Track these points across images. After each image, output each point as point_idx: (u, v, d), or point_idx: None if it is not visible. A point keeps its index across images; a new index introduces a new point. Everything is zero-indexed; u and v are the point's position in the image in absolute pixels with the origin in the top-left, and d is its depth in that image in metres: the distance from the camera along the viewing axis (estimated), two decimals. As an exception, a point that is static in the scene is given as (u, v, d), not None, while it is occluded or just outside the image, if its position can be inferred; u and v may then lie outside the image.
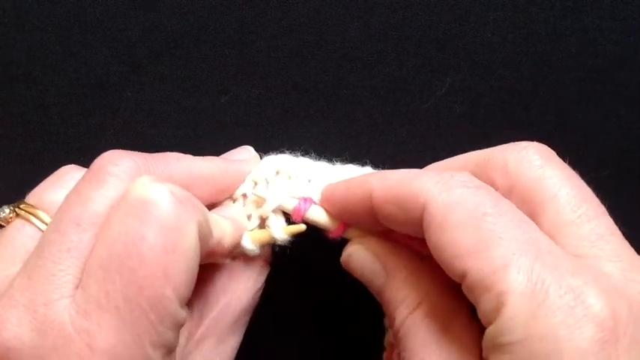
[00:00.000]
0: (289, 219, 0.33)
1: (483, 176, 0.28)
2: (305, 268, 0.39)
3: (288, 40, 0.39)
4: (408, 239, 0.30)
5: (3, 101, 0.39)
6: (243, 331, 0.33)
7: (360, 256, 0.31)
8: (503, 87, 0.39)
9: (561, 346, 0.22)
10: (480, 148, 0.32)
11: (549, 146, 0.29)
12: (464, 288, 0.25)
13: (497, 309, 0.23)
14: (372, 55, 0.39)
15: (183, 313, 0.25)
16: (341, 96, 0.39)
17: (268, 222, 0.33)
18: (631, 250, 0.26)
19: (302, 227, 0.32)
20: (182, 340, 0.30)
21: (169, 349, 0.25)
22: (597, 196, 0.28)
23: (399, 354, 0.34)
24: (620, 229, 0.27)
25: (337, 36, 0.39)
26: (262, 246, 0.32)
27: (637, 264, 0.25)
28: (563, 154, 0.30)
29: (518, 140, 0.30)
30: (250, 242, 0.32)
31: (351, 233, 0.32)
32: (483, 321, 0.24)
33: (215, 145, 0.36)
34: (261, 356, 0.39)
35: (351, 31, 0.39)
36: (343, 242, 0.32)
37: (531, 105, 0.40)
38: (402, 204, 0.27)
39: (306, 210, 0.32)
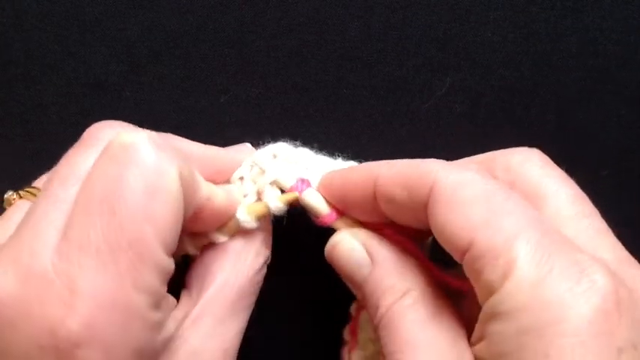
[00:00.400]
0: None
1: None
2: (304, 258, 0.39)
3: (287, 39, 0.39)
4: (399, 235, 0.31)
5: (1, 101, 0.39)
6: (246, 318, 0.32)
7: (347, 244, 0.31)
8: (504, 87, 0.39)
9: (566, 312, 0.22)
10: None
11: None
12: (467, 260, 0.25)
13: (505, 276, 0.24)
14: (372, 54, 0.39)
15: (167, 260, 0.25)
16: (341, 96, 0.39)
17: (264, 194, 0.33)
18: (623, 248, 0.27)
19: (296, 194, 0.32)
20: (180, 314, 0.30)
21: (155, 298, 0.25)
22: (597, 196, 0.29)
23: (349, 351, 0.34)
24: (619, 228, 0.28)
25: (337, 36, 0.39)
26: (259, 218, 0.32)
27: (630, 259, 0.27)
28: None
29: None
30: (246, 214, 0.32)
31: (340, 223, 0.32)
32: (484, 293, 0.25)
33: (214, 145, 0.35)
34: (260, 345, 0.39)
35: (351, 30, 0.39)
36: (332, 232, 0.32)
37: (531, 105, 0.40)
38: (410, 184, 0.28)
39: (302, 190, 0.32)
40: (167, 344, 0.27)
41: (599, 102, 0.40)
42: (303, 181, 0.33)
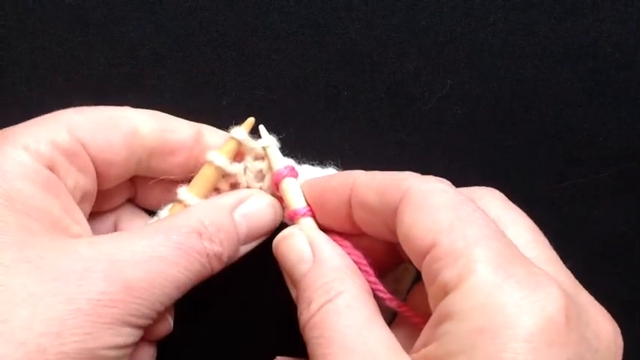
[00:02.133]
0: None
1: None
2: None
3: (289, 41, 0.39)
4: (356, 250, 0.31)
5: (4, 103, 0.40)
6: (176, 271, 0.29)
7: (295, 237, 0.31)
8: (504, 88, 0.40)
9: (520, 318, 0.23)
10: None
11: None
12: (427, 261, 0.26)
13: (463, 277, 0.24)
14: (372, 57, 0.39)
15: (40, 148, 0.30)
16: (342, 98, 0.40)
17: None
18: (572, 276, 0.28)
19: (251, 120, 0.34)
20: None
21: (36, 156, 0.30)
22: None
23: None
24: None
25: (338, 38, 0.39)
26: (232, 155, 0.34)
27: (579, 285, 0.28)
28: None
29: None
30: (218, 155, 0.34)
31: (305, 221, 0.32)
32: (439, 294, 0.25)
33: (217, 147, 0.36)
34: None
35: (352, 33, 0.39)
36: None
37: (531, 106, 0.40)
38: (383, 189, 0.29)
39: (286, 175, 0.33)
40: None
41: (599, 103, 0.40)
42: (292, 169, 0.33)
